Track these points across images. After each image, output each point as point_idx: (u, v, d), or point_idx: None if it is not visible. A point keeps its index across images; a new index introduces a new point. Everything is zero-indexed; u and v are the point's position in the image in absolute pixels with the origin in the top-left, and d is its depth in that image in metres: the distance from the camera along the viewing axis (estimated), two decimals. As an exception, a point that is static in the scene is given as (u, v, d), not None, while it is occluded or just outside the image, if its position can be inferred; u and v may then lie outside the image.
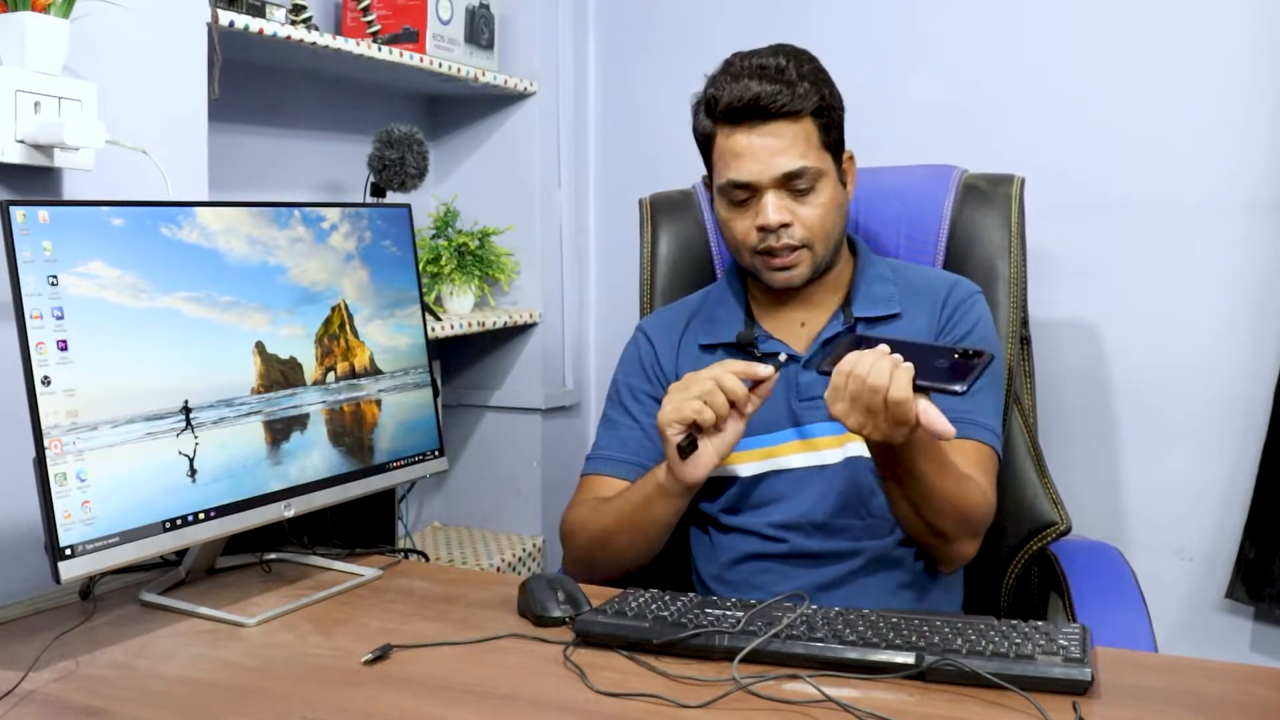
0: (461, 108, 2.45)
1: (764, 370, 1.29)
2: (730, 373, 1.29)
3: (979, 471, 1.38)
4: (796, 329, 1.50)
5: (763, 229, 1.41)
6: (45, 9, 1.35)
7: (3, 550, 1.39)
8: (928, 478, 1.29)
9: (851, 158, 1.49)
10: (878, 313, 1.48)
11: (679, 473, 1.33)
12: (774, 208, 1.40)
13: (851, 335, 1.29)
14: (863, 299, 1.49)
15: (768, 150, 1.39)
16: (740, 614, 1.15)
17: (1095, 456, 2.09)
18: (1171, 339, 2.03)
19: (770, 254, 1.42)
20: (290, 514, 1.38)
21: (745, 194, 1.42)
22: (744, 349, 1.49)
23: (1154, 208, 2.03)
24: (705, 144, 1.47)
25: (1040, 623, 1.13)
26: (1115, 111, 2.05)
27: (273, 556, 1.50)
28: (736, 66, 1.41)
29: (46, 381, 1.14)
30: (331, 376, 1.45)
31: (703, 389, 1.29)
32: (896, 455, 1.26)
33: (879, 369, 1.18)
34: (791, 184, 1.40)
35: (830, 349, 1.27)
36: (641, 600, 1.21)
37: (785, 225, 1.40)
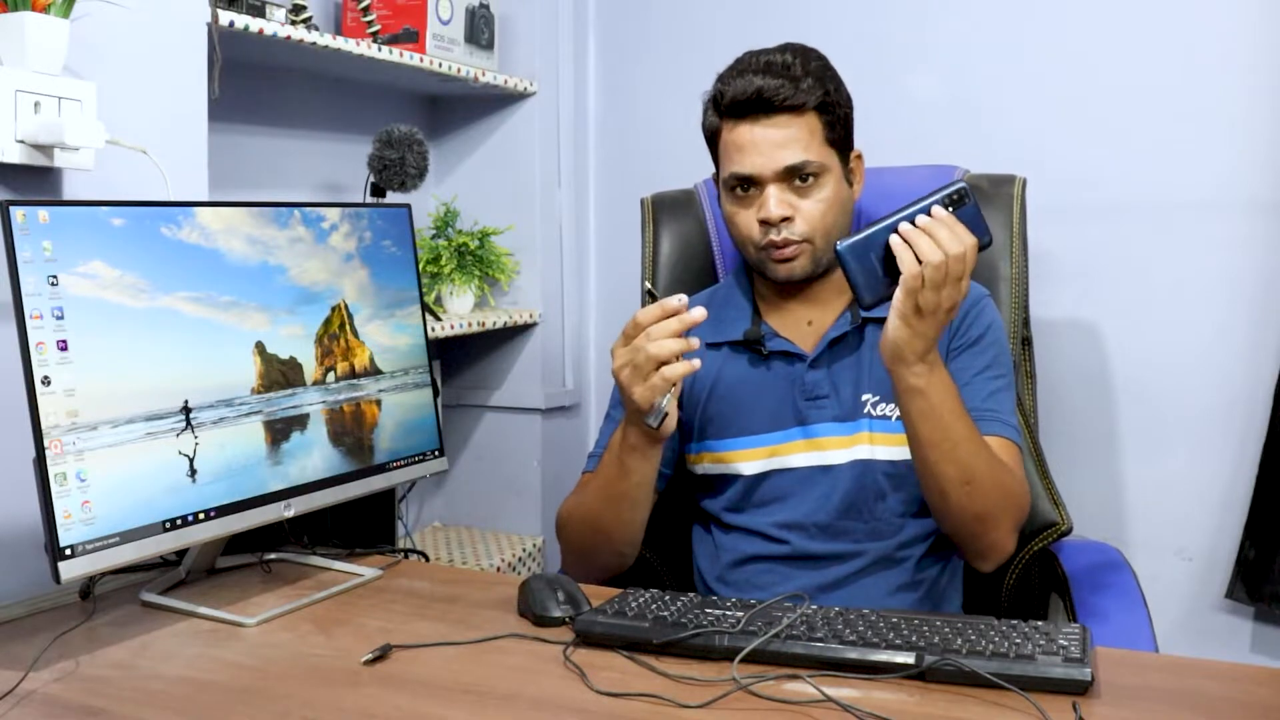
0: (461, 108, 2.45)
1: (676, 304, 1.25)
2: (659, 337, 1.24)
3: (1010, 462, 1.39)
4: (804, 327, 1.50)
5: (764, 222, 1.41)
6: (45, 9, 1.35)
7: (3, 550, 1.38)
8: (957, 427, 1.29)
9: (860, 156, 1.49)
10: (885, 313, 1.47)
11: (651, 433, 1.32)
12: (775, 201, 1.40)
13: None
14: None
15: (770, 143, 1.40)
16: (740, 614, 1.15)
17: (1096, 457, 2.09)
18: (1171, 339, 2.03)
19: (774, 247, 1.42)
20: (290, 514, 1.38)
21: (749, 187, 1.42)
22: (751, 347, 1.49)
23: (1154, 208, 2.03)
24: (713, 140, 1.48)
25: (1040, 623, 1.13)
26: (1115, 111, 2.05)
27: (273, 556, 1.50)
28: (743, 63, 1.43)
29: (46, 381, 1.14)
30: (331, 376, 1.45)
31: (656, 379, 1.25)
32: (924, 395, 1.27)
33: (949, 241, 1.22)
34: (794, 178, 1.40)
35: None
36: (641, 600, 1.21)
37: (787, 219, 1.41)
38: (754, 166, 1.40)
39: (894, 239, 1.23)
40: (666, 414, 1.29)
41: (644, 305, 1.26)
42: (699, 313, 1.25)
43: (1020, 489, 1.37)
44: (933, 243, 1.21)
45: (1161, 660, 1.19)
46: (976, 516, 1.33)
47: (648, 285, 1.29)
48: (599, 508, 1.42)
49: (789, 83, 1.39)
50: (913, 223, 1.23)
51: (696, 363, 1.26)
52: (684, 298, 1.25)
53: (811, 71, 1.41)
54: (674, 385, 1.26)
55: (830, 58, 1.47)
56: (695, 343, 1.26)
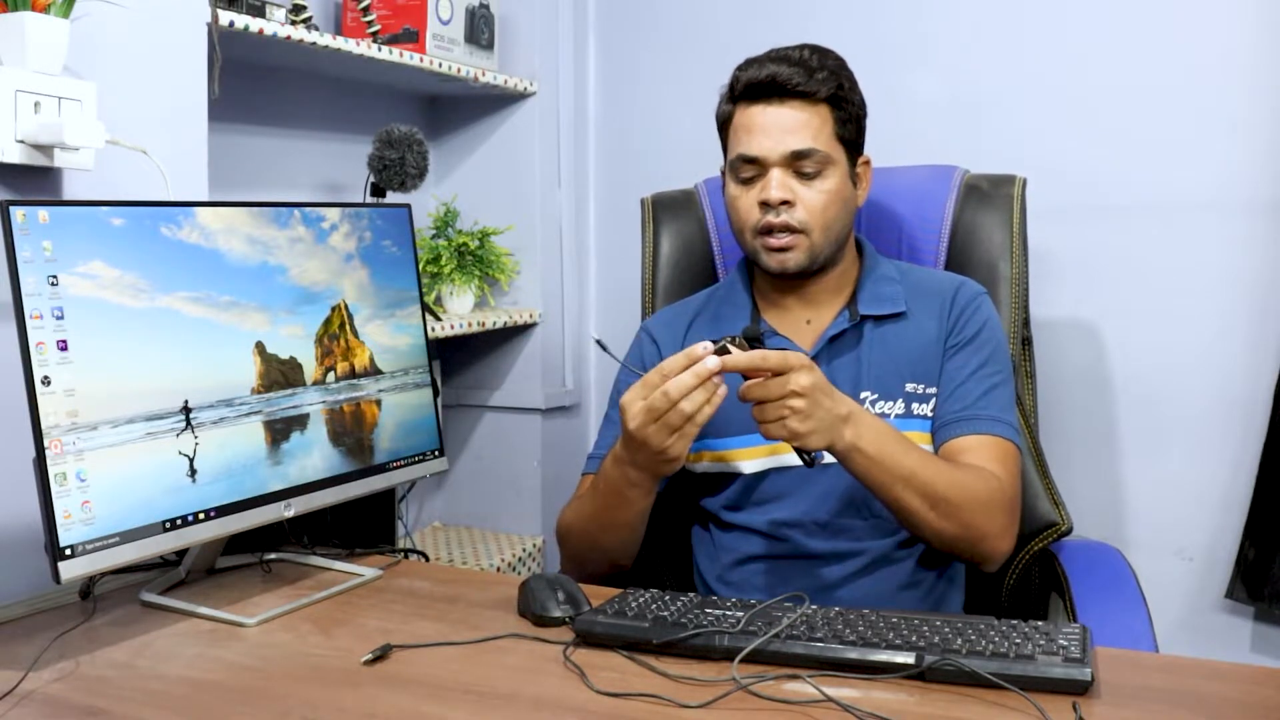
0: (461, 108, 2.45)
1: (708, 362, 1.23)
2: (683, 393, 1.22)
3: (995, 465, 1.38)
4: (802, 326, 1.50)
5: (764, 204, 1.42)
6: (45, 9, 1.35)
7: (3, 550, 1.38)
8: (905, 461, 1.30)
9: (868, 163, 1.50)
10: (883, 311, 1.48)
11: (656, 470, 1.31)
12: (777, 184, 1.41)
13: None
14: (868, 297, 1.49)
15: (779, 127, 1.41)
16: (740, 614, 1.15)
17: (1096, 456, 2.09)
18: (1171, 339, 2.03)
19: (769, 233, 1.43)
20: (290, 514, 1.38)
21: (753, 170, 1.43)
22: (750, 346, 1.49)
23: (1154, 208, 2.03)
24: (724, 127, 1.49)
25: (1040, 623, 1.13)
26: (1116, 111, 2.05)
27: (273, 556, 1.50)
28: (763, 55, 1.46)
29: (46, 381, 1.14)
30: (331, 376, 1.45)
31: (690, 428, 1.25)
32: (852, 459, 1.29)
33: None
34: (798, 164, 1.41)
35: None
36: (641, 600, 1.21)
37: (786, 203, 1.41)
38: (761, 148, 1.41)
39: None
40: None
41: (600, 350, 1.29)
42: (714, 362, 1.22)
43: (1003, 492, 1.37)
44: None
45: (1161, 660, 1.19)
46: (958, 534, 1.35)
47: (596, 337, 1.32)
48: (597, 531, 1.43)
49: (803, 70, 1.41)
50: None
51: (720, 397, 1.25)
52: (709, 345, 1.24)
53: (828, 66, 1.43)
54: None
55: (831, 58, 1.47)
56: (718, 384, 1.24)
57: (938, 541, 1.36)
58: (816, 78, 1.41)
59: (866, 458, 1.29)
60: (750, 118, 1.43)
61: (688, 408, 1.22)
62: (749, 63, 1.45)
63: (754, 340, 1.48)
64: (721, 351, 1.23)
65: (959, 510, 1.32)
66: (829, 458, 1.32)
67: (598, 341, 1.32)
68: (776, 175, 1.41)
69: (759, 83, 1.42)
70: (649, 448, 1.25)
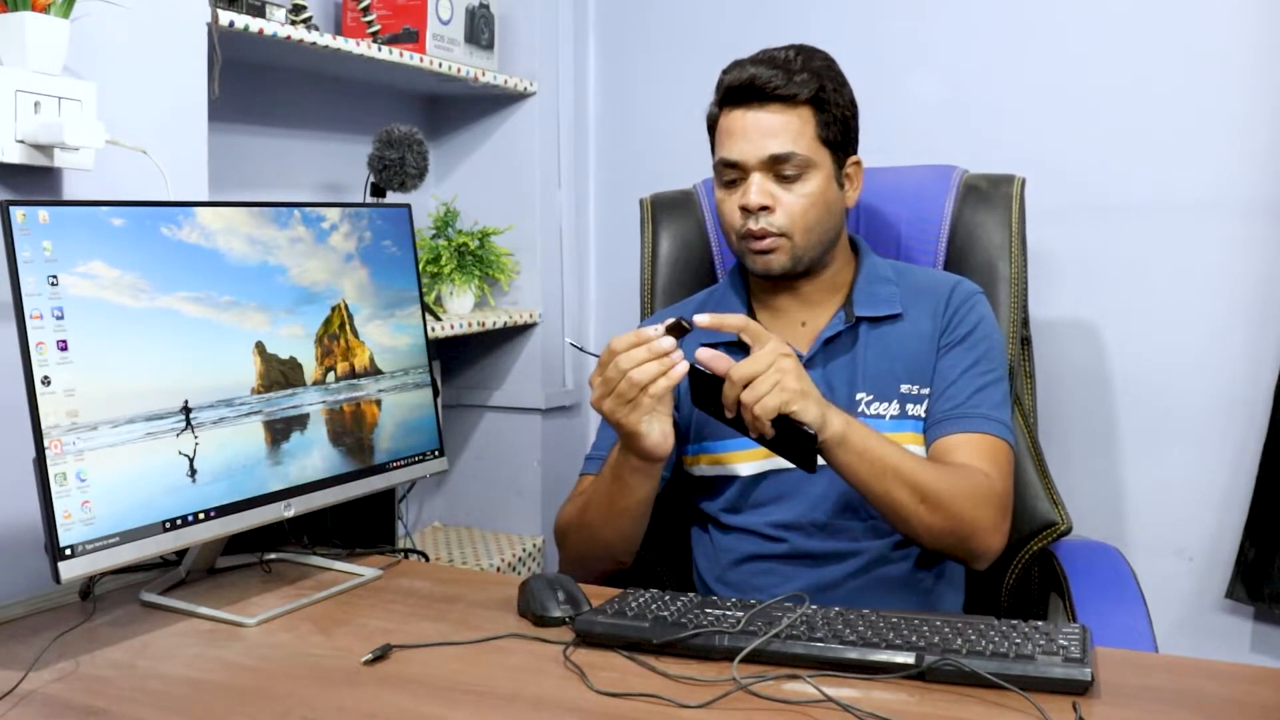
0: (461, 108, 2.45)
1: (663, 341, 1.25)
2: (634, 364, 1.24)
3: (985, 462, 1.38)
4: (798, 328, 1.50)
5: (744, 209, 1.42)
6: (45, 9, 1.35)
7: (3, 550, 1.39)
8: (890, 454, 1.30)
9: (858, 163, 1.49)
10: (879, 312, 1.48)
11: (645, 454, 1.31)
12: (756, 189, 1.41)
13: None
14: (864, 299, 1.49)
15: (759, 131, 1.41)
16: (740, 614, 1.15)
17: (1095, 456, 2.09)
18: (1171, 339, 2.03)
19: (752, 237, 1.43)
20: (290, 514, 1.38)
21: (735, 174, 1.44)
22: (745, 348, 1.49)
23: (1154, 208, 2.03)
24: (712, 129, 1.49)
25: (1040, 623, 1.13)
26: (1116, 111, 2.05)
27: (273, 556, 1.50)
28: (749, 57, 1.46)
29: (46, 381, 1.14)
30: (331, 376, 1.45)
31: (645, 399, 1.25)
32: (834, 456, 1.29)
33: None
34: (778, 168, 1.41)
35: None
36: (641, 600, 1.21)
37: (765, 208, 1.41)
38: (740, 153, 1.42)
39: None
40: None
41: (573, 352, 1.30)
42: (668, 342, 1.25)
43: (992, 487, 1.36)
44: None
45: (1161, 660, 1.19)
46: (947, 529, 1.34)
47: (569, 340, 1.33)
48: (599, 521, 1.42)
49: (783, 73, 1.40)
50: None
51: (679, 373, 1.25)
52: (659, 327, 1.26)
53: (811, 68, 1.42)
54: (661, 400, 1.27)
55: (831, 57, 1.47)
56: (677, 359, 1.25)
57: (928, 538, 1.35)
58: (796, 80, 1.40)
59: (855, 451, 1.29)
60: (732, 121, 1.43)
61: (638, 377, 1.24)
62: (734, 65, 1.45)
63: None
64: (674, 329, 1.26)
65: (948, 504, 1.32)
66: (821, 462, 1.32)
67: (572, 344, 1.33)
68: (756, 180, 1.41)
69: (739, 86, 1.42)
70: (612, 423, 1.28)
